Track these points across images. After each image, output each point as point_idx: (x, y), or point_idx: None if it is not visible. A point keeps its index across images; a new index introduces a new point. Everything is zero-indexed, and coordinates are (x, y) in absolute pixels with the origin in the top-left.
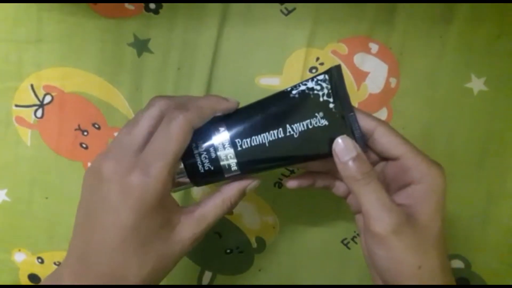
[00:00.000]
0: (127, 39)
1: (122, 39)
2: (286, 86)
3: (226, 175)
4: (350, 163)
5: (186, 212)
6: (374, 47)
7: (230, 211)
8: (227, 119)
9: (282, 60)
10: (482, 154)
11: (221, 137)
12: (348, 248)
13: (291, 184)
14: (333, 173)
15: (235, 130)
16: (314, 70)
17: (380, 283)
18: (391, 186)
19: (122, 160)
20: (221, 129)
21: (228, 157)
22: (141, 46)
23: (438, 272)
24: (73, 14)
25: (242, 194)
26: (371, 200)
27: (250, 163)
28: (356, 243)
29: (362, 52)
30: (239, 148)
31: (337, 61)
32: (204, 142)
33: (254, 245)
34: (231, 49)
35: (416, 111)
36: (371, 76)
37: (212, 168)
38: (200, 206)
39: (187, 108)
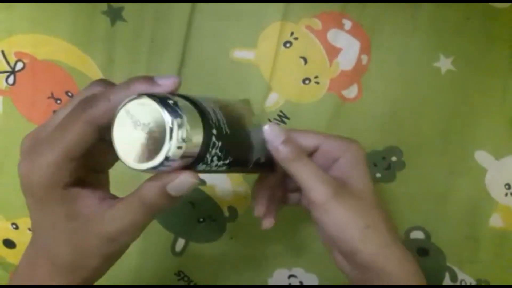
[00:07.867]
0: (101, 7)
1: (96, 7)
2: (261, 59)
3: None
4: (282, 146)
5: (103, 206)
6: (347, 24)
7: (153, 214)
8: None
9: (257, 34)
10: (446, 132)
11: None
12: None
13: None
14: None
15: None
16: (288, 45)
17: (341, 261)
18: None
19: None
20: None
21: None
22: (114, 14)
23: (384, 230)
24: None
25: (165, 195)
26: (307, 174)
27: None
28: None
29: (335, 28)
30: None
31: (311, 36)
32: None
33: (227, 214)
34: (205, 21)
35: (385, 88)
36: (343, 52)
37: None
38: (116, 203)
39: (96, 103)
